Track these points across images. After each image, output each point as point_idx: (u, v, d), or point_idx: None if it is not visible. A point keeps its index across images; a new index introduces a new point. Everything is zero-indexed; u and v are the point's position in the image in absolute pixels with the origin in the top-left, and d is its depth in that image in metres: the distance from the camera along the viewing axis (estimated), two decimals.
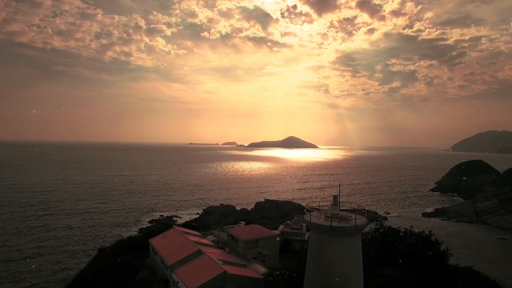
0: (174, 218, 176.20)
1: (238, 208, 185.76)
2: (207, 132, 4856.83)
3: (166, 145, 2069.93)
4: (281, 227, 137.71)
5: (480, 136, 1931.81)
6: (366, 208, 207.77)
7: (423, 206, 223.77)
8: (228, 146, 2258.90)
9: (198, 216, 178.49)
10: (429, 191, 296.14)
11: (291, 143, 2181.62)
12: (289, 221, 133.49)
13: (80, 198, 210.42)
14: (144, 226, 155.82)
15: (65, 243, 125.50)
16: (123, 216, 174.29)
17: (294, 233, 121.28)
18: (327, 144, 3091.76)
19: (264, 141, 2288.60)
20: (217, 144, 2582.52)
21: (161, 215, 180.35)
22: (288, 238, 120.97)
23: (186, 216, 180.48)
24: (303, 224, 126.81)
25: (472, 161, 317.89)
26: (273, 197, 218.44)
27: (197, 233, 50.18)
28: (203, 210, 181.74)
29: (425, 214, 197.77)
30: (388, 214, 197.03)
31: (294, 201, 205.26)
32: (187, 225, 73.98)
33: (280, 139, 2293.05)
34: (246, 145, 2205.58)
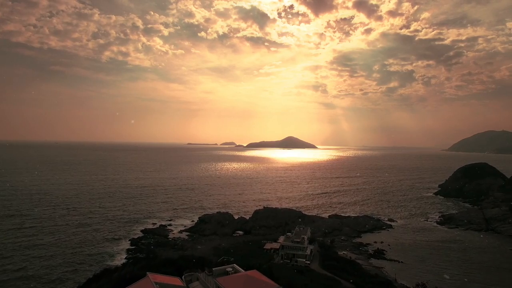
0: (168, 227, 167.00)
1: (235, 216, 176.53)
2: (206, 132, 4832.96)
3: (164, 145, 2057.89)
4: (281, 238, 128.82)
5: (479, 136, 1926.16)
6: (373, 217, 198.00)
7: (428, 212, 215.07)
8: (227, 146, 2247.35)
9: (193, 224, 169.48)
10: (432, 194, 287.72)
11: (290, 143, 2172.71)
12: (289, 233, 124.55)
13: (70, 206, 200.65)
14: (136, 237, 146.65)
15: (44, 265, 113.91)
16: (115, 225, 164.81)
17: (296, 247, 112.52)
18: (326, 144, 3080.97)
19: (263, 141, 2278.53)
20: (216, 144, 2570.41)
21: (155, 224, 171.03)
22: (289, 253, 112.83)
23: (181, 224, 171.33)
24: (305, 237, 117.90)
25: (476, 164, 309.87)
26: (272, 204, 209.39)
27: (177, 281, 40.79)
28: (199, 218, 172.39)
29: (431, 222, 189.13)
30: (393, 221, 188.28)
31: (295, 208, 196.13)
32: (168, 263, 62.17)
33: (279, 139, 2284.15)
34: (245, 145, 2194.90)
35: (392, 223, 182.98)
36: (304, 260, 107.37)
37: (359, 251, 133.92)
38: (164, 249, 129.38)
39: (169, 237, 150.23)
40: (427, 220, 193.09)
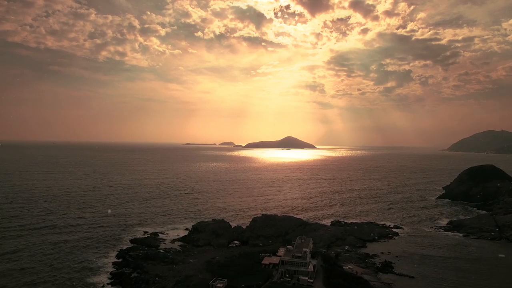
0: (160, 235, 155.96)
1: (232, 224, 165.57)
2: (204, 132, 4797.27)
3: (163, 146, 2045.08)
4: (281, 250, 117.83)
5: (478, 136, 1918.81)
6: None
7: (436, 218, 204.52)
8: (225, 146, 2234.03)
9: (187, 233, 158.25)
10: (437, 198, 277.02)
11: (289, 143, 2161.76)
12: (289, 246, 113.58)
13: (58, 212, 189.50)
14: (124, 248, 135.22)
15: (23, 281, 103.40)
16: (103, 234, 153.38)
17: (297, 263, 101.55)
18: (324, 144, 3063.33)
19: (262, 141, 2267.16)
20: (214, 144, 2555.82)
21: (146, 232, 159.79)
22: (289, 270, 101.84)
23: (174, 233, 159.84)
24: (307, 250, 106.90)
25: (482, 166, 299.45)
26: (271, 210, 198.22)
27: None
28: (193, 226, 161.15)
29: (440, 228, 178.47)
30: (399, 228, 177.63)
31: (294, 215, 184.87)
32: None
33: (278, 139, 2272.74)
34: (244, 145, 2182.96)
35: (398, 231, 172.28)
36: (307, 278, 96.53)
37: (365, 264, 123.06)
38: (153, 263, 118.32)
39: (160, 247, 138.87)
40: (435, 227, 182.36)
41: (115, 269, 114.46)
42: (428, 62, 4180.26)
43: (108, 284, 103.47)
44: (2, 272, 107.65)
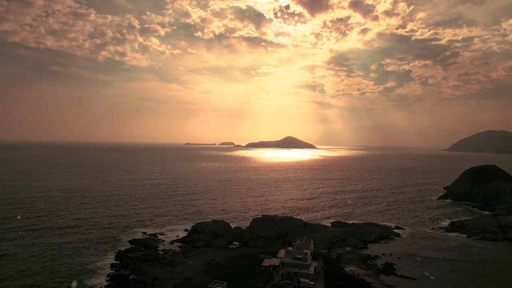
0: (159, 236, 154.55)
1: (232, 224, 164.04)
2: (205, 132, 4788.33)
3: (163, 146, 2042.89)
4: (281, 252, 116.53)
5: (479, 136, 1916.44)
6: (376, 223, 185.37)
7: (437, 219, 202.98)
8: (226, 146, 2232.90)
9: (186, 234, 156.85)
10: (438, 198, 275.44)
11: (289, 143, 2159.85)
12: (290, 248, 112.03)
13: (55, 213, 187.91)
14: (123, 249, 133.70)
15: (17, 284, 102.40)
16: (102, 235, 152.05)
17: (298, 265, 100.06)
18: (324, 144, 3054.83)
19: (262, 141, 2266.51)
20: (214, 144, 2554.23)
21: (145, 233, 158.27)
22: (290, 272, 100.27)
23: (173, 234, 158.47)
24: (308, 252, 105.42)
25: (484, 166, 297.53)
26: (271, 211, 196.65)
27: None
28: (192, 227, 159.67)
29: (442, 229, 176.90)
30: (400, 229, 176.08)
31: (295, 215, 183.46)
32: None
33: (278, 139, 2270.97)
34: (244, 145, 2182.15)
35: (400, 231, 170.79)
36: (308, 280, 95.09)
37: (367, 266, 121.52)
38: (152, 264, 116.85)
39: (158, 249, 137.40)
40: (436, 228, 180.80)
41: (113, 271, 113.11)
42: (428, 62, 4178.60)
43: (106, 286, 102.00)
44: (0, 274, 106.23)
